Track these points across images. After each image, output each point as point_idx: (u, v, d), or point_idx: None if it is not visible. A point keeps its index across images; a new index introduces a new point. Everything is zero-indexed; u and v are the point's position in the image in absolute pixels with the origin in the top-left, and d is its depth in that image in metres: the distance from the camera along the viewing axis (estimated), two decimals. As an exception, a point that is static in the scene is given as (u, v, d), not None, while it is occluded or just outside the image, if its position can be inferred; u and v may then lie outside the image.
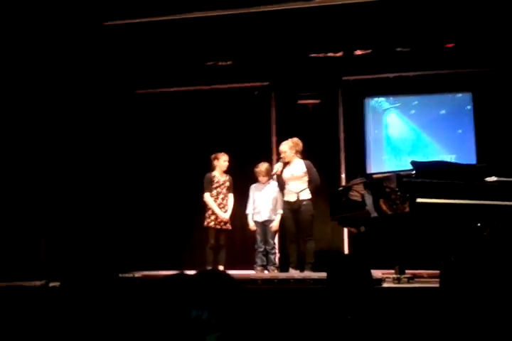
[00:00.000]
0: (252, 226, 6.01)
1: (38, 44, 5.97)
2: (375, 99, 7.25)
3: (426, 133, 7.01)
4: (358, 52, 6.99)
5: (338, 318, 3.46)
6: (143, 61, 6.92)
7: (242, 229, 6.33)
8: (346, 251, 6.64)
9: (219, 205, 5.98)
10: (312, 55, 7.06)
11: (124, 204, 6.95)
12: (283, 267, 6.14)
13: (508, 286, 3.17)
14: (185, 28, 6.18)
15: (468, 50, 6.59)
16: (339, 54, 7.04)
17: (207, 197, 6.00)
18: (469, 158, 6.53)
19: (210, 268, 5.36)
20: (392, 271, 4.53)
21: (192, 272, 1.53)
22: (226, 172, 6.15)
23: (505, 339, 2.77)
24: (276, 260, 6.15)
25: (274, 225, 5.95)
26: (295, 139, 5.95)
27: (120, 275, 4.97)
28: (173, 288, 1.37)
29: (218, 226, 5.95)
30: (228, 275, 1.46)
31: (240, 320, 1.34)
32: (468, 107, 6.89)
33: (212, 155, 6.16)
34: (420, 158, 6.10)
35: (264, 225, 5.97)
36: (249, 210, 6.08)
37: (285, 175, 5.88)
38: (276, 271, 5.88)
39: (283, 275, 5.28)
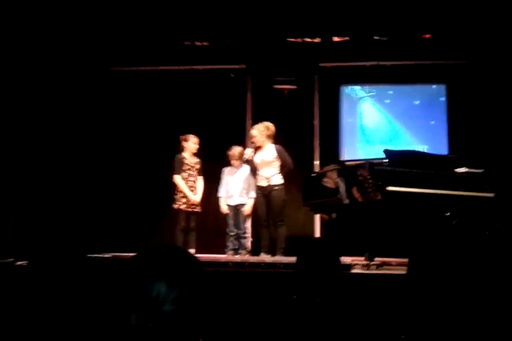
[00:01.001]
0: (224, 209, 6.00)
1: (12, 19, 5.79)
2: (351, 87, 7.26)
3: (400, 122, 7.08)
4: (336, 38, 6.98)
5: (306, 301, 3.50)
6: (119, 38, 6.77)
7: (214, 212, 6.31)
8: (317, 236, 6.69)
9: (190, 188, 5.93)
10: (290, 39, 7.01)
11: (94, 184, 6.84)
12: (254, 251, 6.17)
13: (473, 274, 3.25)
14: (163, 5, 6.06)
15: (444, 42, 6.65)
16: (317, 40, 7.01)
17: (178, 179, 5.93)
18: (441, 148, 6.63)
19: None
20: (362, 258, 4.59)
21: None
22: (196, 154, 6.10)
23: (470, 325, 2.85)
24: (248, 244, 6.18)
25: (246, 209, 5.95)
26: (266, 123, 5.90)
27: (88, 255, 4.94)
28: (135, 264, 1.37)
29: (189, 209, 5.91)
30: (187, 251, 1.46)
31: (198, 295, 1.35)
32: (442, 99, 6.97)
33: (182, 136, 6.08)
34: (393, 147, 6.16)
35: (236, 209, 5.97)
36: (221, 193, 6.05)
37: (256, 160, 5.86)
38: (247, 255, 5.90)
39: (254, 259, 5.31)
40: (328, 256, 3.86)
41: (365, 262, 4.51)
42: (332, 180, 4.80)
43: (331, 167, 5.04)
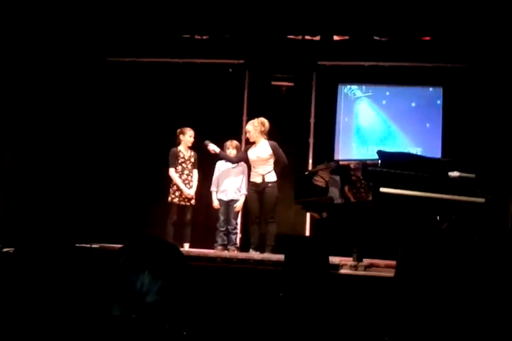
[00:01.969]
0: (216, 204, 5.99)
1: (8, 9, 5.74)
2: (349, 86, 7.25)
3: (395, 124, 7.07)
4: (336, 37, 6.97)
5: (293, 299, 3.51)
6: (117, 28, 6.72)
7: (205, 207, 6.31)
8: (306, 235, 6.70)
9: (184, 181, 5.92)
10: (290, 36, 7.00)
11: (87, 175, 6.81)
12: (243, 248, 6.16)
13: (461, 278, 3.27)
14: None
15: (443, 45, 6.65)
16: (317, 38, 6.99)
17: (172, 172, 5.93)
18: (435, 152, 6.63)
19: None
20: (351, 259, 4.60)
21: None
22: (191, 147, 6.09)
23: (457, 327, 2.86)
24: (237, 240, 6.17)
25: (238, 205, 5.94)
26: (261, 119, 5.88)
27: (77, 245, 4.93)
28: (119, 255, 1.37)
29: (182, 203, 5.91)
30: (170, 243, 1.47)
31: (181, 287, 1.35)
32: (438, 102, 6.97)
33: (178, 130, 6.07)
34: (387, 149, 6.16)
35: (228, 205, 5.95)
36: (213, 187, 6.05)
37: (251, 157, 5.84)
38: (236, 251, 5.89)
39: (243, 255, 5.30)
40: (317, 255, 3.87)
41: (353, 263, 4.51)
42: (323, 178, 4.79)
43: (324, 166, 5.04)
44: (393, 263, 3.82)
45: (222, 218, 5.92)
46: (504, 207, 5.59)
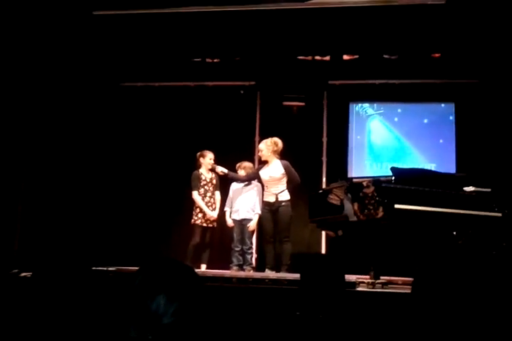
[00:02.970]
0: (229, 223, 6.00)
1: (24, 34, 5.88)
2: (360, 104, 7.28)
3: (408, 141, 7.06)
4: (346, 57, 7.03)
5: (310, 318, 3.47)
6: (130, 53, 6.85)
7: (220, 227, 6.31)
8: (322, 253, 6.65)
9: (207, 203, 6.00)
10: (300, 57, 7.08)
11: (106, 199, 6.86)
12: (259, 267, 6.13)
13: (479, 293, 3.21)
14: (174, 23, 6.15)
15: (453, 61, 6.67)
16: (327, 58, 7.06)
17: (195, 195, 6.00)
18: (449, 167, 6.60)
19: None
20: (368, 276, 4.55)
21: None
22: (212, 170, 6.14)
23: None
24: (253, 260, 6.15)
25: (252, 225, 5.94)
26: (274, 139, 5.92)
27: (93, 268, 4.94)
28: (135, 277, 1.38)
29: (205, 224, 5.94)
30: (186, 265, 1.47)
31: (196, 308, 1.35)
32: (451, 117, 6.96)
33: (198, 153, 6.16)
34: (401, 165, 6.15)
35: (241, 224, 5.96)
36: (226, 207, 6.08)
37: (263, 176, 5.86)
38: (252, 271, 5.86)
39: (258, 275, 5.27)
40: (333, 273, 3.84)
41: (370, 280, 4.46)
42: (338, 196, 4.78)
43: (338, 184, 5.03)
44: (411, 280, 3.77)
45: (236, 238, 5.92)
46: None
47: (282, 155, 5.94)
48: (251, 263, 5.96)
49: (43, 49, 6.17)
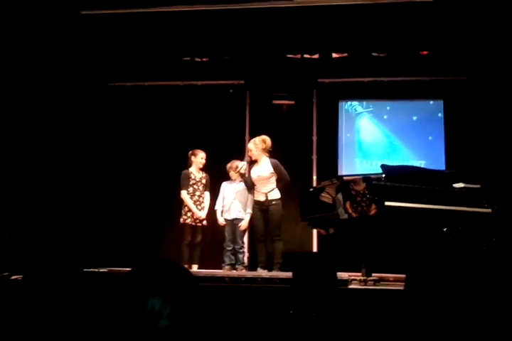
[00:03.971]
0: (221, 221, 6.00)
1: (11, 34, 5.84)
2: (349, 102, 7.30)
3: (397, 138, 7.10)
4: (335, 55, 7.04)
5: (303, 316, 3.48)
6: (118, 53, 6.82)
7: (211, 227, 6.30)
8: (314, 251, 6.66)
9: (195, 202, 5.96)
10: (289, 55, 7.08)
11: (95, 199, 6.83)
12: (251, 266, 6.14)
13: (471, 288, 3.23)
14: (162, 22, 6.11)
15: (442, 59, 6.70)
16: (315, 56, 7.06)
17: (184, 194, 5.97)
18: (438, 164, 6.64)
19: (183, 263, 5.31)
20: (360, 274, 4.57)
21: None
22: (202, 169, 6.12)
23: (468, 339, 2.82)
24: (245, 259, 6.16)
25: (243, 224, 5.94)
26: (263, 137, 5.91)
27: (84, 270, 4.91)
28: (130, 279, 1.37)
29: (194, 223, 5.93)
30: (181, 266, 1.46)
31: (192, 310, 1.34)
32: (440, 114, 7.00)
33: (190, 152, 6.14)
34: (391, 163, 6.17)
35: (233, 223, 5.95)
36: (217, 206, 6.07)
37: (253, 176, 5.85)
38: (244, 270, 5.86)
39: (250, 274, 5.27)
40: (325, 271, 3.85)
41: (362, 278, 4.48)
42: (328, 195, 4.79)
43: (329, 182, 5.04)
44: (402, 276, 3.79)
45: (228, 237, 5.92)
46: (511, 217, 5.56)
47: (272, 153, 5.94)
48: (243, 263, 5.96)
49: (31, 49, 6.12)
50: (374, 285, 4.42)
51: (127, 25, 6.22)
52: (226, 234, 5.94)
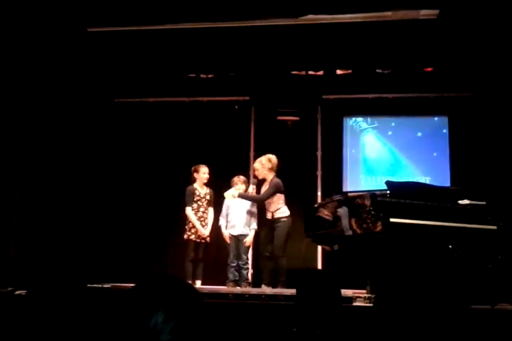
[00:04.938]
0: (226, 235, 5.99)
1: (18, 50, 5.91)
2: (354, 118, 7.32)
3: (402, 154, 7.09)
4: (339, 71, 7.09)
5: (307, 334, 3.45)
6: (124, 70, 6.89)
7: (215, 243, 6.28)
8: (318, 268, 6.62)
9: (199, 219, 5.96)
10: (294, 72, 7.13)
11: (99, 216, 6.83)
12: (255, 283, 6.10)
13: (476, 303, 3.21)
14: (168, 39, 6.18)
15: (446, 75, 6.74)
16: (320, 72, 7.11)
17: (188, 211, 5.98)
18: (443, 180, 6.62)
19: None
20: (364, 291, 4.53)
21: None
22: (206, 185, 6.13)
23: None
24: (249, 276, 6.12)
25: (248, 240, 5.92)
26: (268, 156, 5.93)
27: (88, 285, 4.91)
28: (133, 295, 1.36)
29: (198, 240, 5.93)
30: (185, 281, 1.46)
31: (195, 326, 1.34)
32: (444, 131, 7.00)
33: (193, 168, 6.14)
34: (396, 179, 6.16)
35: (237, 239, 5.93)
36: (221, 222, 6.06)
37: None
38: (248, 286, 5.83)
39: (254, 290, 5.24)
40: (329, 288, 3.82)
41: (366, 295, 4.44)
42: (329, 211, 4.77)
43: (333, 198, 5.03)
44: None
45: (232, 254, 5.89)
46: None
47: (278, 169, 5.95)
48: (247, 279, 5.92)
49: (38, 65, 6.19)
50: (379, 302, 4.37)
51: (133, 42, 6.29)
52: (230, 250, 5.92)
